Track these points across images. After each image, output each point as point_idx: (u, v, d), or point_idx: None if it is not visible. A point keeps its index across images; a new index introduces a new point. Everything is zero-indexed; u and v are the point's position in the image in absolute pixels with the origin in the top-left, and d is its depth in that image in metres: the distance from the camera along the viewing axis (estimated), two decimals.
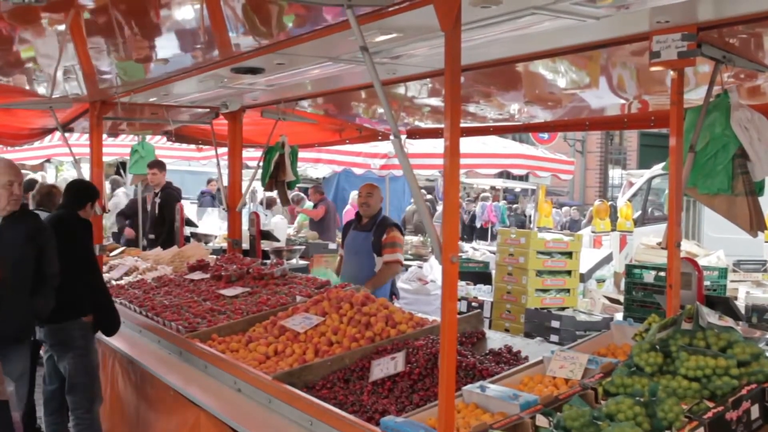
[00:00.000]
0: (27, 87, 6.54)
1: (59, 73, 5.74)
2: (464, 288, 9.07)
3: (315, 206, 15.16)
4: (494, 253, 9.75)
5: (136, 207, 11.85)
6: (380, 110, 7.39)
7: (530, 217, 20.74)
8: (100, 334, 5.77)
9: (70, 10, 4.00)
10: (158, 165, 10.57)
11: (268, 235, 11.01)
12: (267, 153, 7.68)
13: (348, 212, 15.40)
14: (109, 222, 12.43)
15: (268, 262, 7.32)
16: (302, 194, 16.68)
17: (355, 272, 7.16)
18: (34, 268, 5.18)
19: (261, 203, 17.02)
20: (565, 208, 24.09)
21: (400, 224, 8.18)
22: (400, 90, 6.03)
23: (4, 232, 5.19)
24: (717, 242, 11.70)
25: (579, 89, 5.63)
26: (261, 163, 7.79)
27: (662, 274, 5.44)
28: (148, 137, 12.09)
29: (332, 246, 12.49)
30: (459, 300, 7.16)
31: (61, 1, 3.84)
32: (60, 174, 18.98)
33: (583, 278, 9.90)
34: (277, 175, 7.65)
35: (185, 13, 4.11)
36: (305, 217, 15.45)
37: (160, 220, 10.36)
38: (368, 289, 6.53)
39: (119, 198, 14.44)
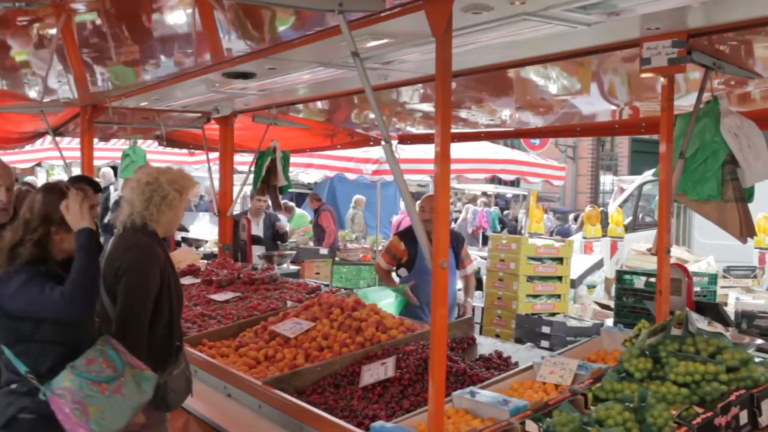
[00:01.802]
0: (18, 91, 6.53)
1: (50, 77, 5.72)
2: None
3: (316, 213, 14.99)
4: (485, 259, 9.76)
5: None
6: (372, 115, 7.39)
7: (521, 222, 20.76)
8: None
9: (61, 14, 4.00)
10: None
11: (259, 241, 10.99)
12: (258, 158, 7.67)
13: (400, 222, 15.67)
14: None
15: (259, 267, 7.31)
16: (290, 202, 16.64)
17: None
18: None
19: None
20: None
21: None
22: (392, 95, 6.03)
23: None
24: (707, 248, 11.72)
25: (570, 95, 5.65)
26: (252, 168, 7.78)
27: (652, 280, 5.46)
28: (139, 142, 12.07)
29: (323, 251, 12.47)
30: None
31: (52, 5, 3.84)
32: (51, 178, 18.93)
33: (574, 284, 9.91)
34: (268, 180, 7.64)
35: (177, 18, 4.11)
36: (299, 224, 15.41)
37: None
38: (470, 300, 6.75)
39: None
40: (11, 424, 3.31)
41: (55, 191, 3.45)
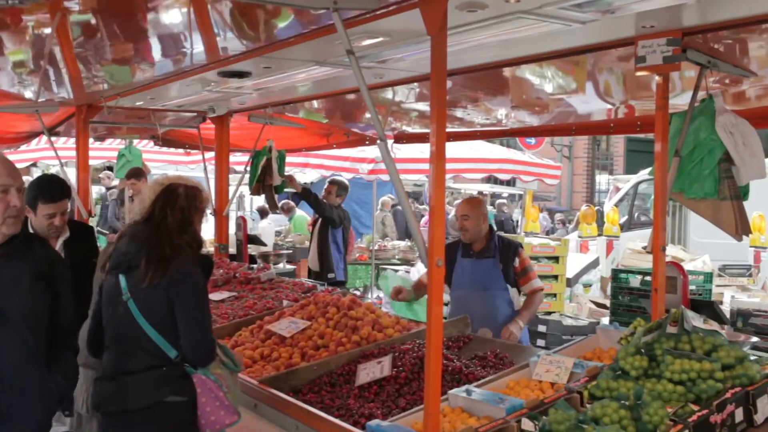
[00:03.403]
0: (13, 90, 6.51)
1: (45, 77, 5.70)
2: None
3: None
4: None
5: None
6: (368, 114, 7.38)
7: (517, 222, 20.78)
8: None
9: (56, 13, 3.98)
10: (136, 174, 10.49)
11: (255, 240, 10.98)
12: (254, 157, 7.64)
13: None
14: None
15: (255, 266, 7.30)
16: (291, 202, 16.61)
17: (488, 311, 5.54)
18: (48, 324, 3.50)
19: (259, 212, 16.94)
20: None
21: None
22: (388, 94, 6.03)
23: (1, 272, 3.38)
24: (703, 247, 11.77)
25: (566, 94, 5.65)
26: (248, 168, 7.76)
27: (648, 278, 5.46)
28: (135, 141, 12.06)
29: None
30: (445, 304, 6.99)
31: (47, 4, 3.83)
32: None
33: (570, 283, 9.94)
34: (263, 180, 7.61)
35: (172, 17, 4.10)
36: (299, 226, 15.36)
37: None
38: (524, 323, 5.55)
39: None
40: (162, 405, 3.53)
41: (192, 184, 3.84)
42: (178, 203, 3.72)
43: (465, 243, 5.83)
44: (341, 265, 9.97)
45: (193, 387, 3.57)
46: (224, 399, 3.57)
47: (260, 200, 17.00)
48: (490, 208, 22.97)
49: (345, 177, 14.00)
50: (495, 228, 6.02)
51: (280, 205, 14.55)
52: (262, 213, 16.74)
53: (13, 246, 3.42)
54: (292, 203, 16.47)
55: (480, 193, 24.35)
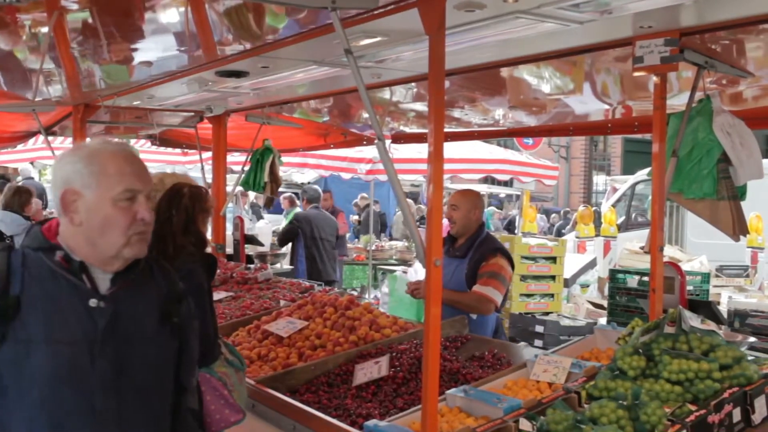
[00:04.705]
0: (9, 89, 6.50)
1: (42, 76, 5.69)
2: None
3: (332, 214, 14.57)
4: None
5: None
6: (365, 114, 7.37)
7: (515, 222, 20.80)
8: None
9: (53, 11, 3.98)
10: None
11: (252, 240, 10.99)
12: (260, 156, 7.55)
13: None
14: None
15: (252, 266, 7.29)
16: (293, 195, 16.58)
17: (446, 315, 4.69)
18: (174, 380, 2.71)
19: (263, 206, 16.93)
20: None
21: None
22: (386, 95, 6.02)
23: (121, 312, 2.48)
24: (700, 247, 11.79)
25: (563, 95, 5.65)
26: (247, 167, 7.71)
27: (645, 278, 5.46)
28: (132, 141, 12.05)
29: None
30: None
31: (44, 3, 3.82)
32: (44, 177, 18.87)
33: (567, 283, 9.95)
34: (273, 179, 7.54)
35: (170, 16, 4.10)
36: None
37: None
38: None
39: None
40: None
41: (197, 186, 3.82)
42: (183, 203, 3.76)
43: (453, 238, 5.59)
44: (301, 267, 10.92)
45: (198, 385, 3.61)
46: (229, 397, 3.59)
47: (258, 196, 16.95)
48: (512, 211, 22.99)
49: (343, 177, 14.04)
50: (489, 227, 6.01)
51: (282, 196, 14.59)
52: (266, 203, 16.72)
53: (135, 275, 2.53)
54: (293, 195, 16.41)
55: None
